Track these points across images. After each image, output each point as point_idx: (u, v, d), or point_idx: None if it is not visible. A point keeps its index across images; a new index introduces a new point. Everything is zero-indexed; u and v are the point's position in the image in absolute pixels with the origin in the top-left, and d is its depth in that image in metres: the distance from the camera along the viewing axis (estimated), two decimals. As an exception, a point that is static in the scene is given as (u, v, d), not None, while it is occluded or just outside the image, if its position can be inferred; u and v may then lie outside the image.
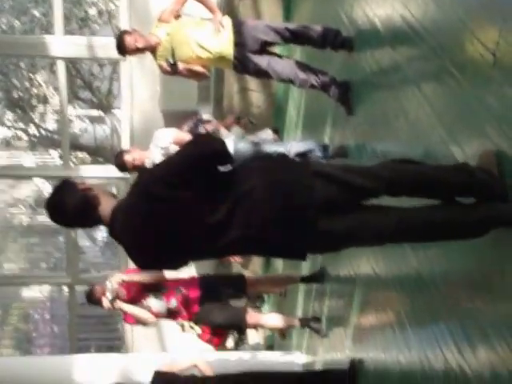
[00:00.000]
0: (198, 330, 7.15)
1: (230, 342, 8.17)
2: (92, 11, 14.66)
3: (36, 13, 14.42)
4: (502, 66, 2.75)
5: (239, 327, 6.39)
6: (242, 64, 5.39)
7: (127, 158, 6.04)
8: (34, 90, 15.32)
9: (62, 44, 9.04)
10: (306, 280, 6.31)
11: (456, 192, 2.79)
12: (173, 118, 8.79)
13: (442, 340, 3.20)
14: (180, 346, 8.74)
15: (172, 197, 2.75)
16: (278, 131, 7.79)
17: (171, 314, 6.09)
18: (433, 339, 3.30)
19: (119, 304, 5.98)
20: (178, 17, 5.52)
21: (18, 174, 11.27)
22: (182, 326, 6.79)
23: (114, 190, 10.84)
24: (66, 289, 11.61)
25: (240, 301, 6.36)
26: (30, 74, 15.20)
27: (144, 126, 9.35)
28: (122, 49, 5.49)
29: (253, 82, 8.45)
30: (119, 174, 7.53)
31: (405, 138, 3.92)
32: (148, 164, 5.79)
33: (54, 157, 14.97)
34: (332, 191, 2.75)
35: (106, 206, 2.88)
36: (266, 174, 2.79)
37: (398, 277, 3.97)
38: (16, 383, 6.29)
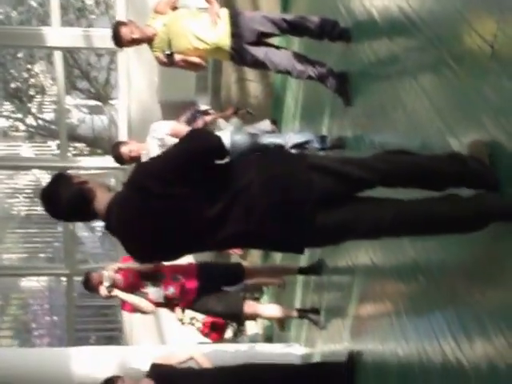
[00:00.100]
0: (198, 324, 7.17)
1: (228, 332, 8.18)
2: (89, 1, 14.61)
3: (33, 3, 14.36)
4: (499, 57, 2.74)
5: (237, 316, 6.40)
6: (239, 55, 5.37)
7: (123, 149, 6.02)
8: (32, 81, 15.28)
9: (59, 35, 9.01)
10: (304, 272, 6.31)
11: (450, 182, 2.79)
12: (170, 109, 8.78)
13: (439, 331, 3.20)
14: (178, 338, 8.75)
15: (168, 194, 2.73)
16: (277, 122, 7.77)
17: (168, 302, 6.09)
18: (430, 330, 3.31)
19: (116, 292, 5.98)
20: (174, 8, 5.50)
21: (15, 165, 11.26)
22: (181, 320, 6.80)
23: (113, 181, 10.83)
24: (64, 279, 11.60)
25: (238, 289, 6.37)
26: (28, 65, 15.16)
27: (142, 116, 9.35)
28: (118, 40, 5.47)
29: (251, 73, 8.42)
30: (117, 165, 7.51)
31: (402, 129, 3.91)
32: (145, 156, 5.78)
33: (52, 147, 14.92)
34: (329, 183, 2.74)
35: (102, 200, 2.86)
36: (264, 169, 2.78)
37: (396, 267, 3.97)
38: (14, 375, 6.28)
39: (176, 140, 5.62)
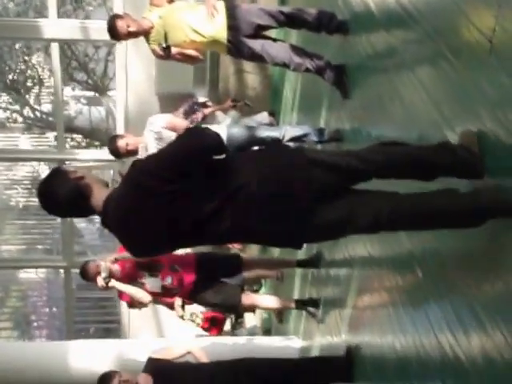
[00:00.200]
0: (198, 320, 7.17)
1: (226, 324, 8.19)
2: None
3: (30, -6, 14.32)
4: (498, 52, 2.73)
5: (235, 307, 6.41)
6: (236, 48, 5.35)
7: (120, 143, 5.99)
8: (29, 72, 15.24)
9: (56, 26, 8.98)
10: (302, 264, 6.31)
11: (440, 171, 2.80)
12: (168, 101, 8.77)
13: (436, 324, 3.21)
14: (177, 330, 8.76)
15: (167, 191, 2.72)
16: (275, 114, 7.77)
17: (166, 292, 6.08)
18: (427, 323, 3.31)
19: (113, 282, 5.97)
20: (171, 0, 5.48)
21: (13, 157, 11.23)
22: (182, 317, 6.81)
23: (111, 173, 10.81)
24: (62, 271, 11.59)
25: (237, 281, 6.37)
26: (25, 56, 15.11)
27: (139, 108, 9.32)
28: (115, 33, 5.44)
29: (249, 64, 8.40)
30: (115, 157, 7.50)
31: (400, 121, 3.91)
32: (142, 149, 5.77)
33: (50, 138, 14.88)
34: (327, 178, 2.75)
35: (99, 196, 2.86)
36: (261, 165, 2.78)
37: (393, 260, 3.98)
38: (12, 369, 6.29)
39: (173, 133, 5.62)
